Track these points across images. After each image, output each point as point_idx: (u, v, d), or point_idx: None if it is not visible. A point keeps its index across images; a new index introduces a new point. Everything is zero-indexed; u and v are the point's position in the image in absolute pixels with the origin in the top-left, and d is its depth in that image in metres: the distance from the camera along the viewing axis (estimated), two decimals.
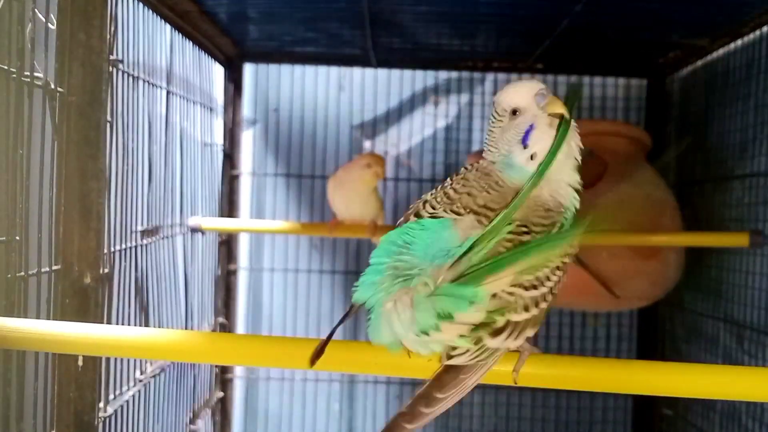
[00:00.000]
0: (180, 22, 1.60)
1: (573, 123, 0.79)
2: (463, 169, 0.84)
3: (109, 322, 1.17)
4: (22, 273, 0.94)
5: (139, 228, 1.39)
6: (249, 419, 2.22)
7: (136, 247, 1.37)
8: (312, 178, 2.19)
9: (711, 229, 1.80)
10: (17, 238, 0.93)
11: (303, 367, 0.75)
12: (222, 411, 2.05)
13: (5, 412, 0.90)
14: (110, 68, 1.13)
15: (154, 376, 1.44)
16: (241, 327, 2.18)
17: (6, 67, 0.90)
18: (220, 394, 2.03)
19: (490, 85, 2.19)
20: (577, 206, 0.80)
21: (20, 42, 0.93)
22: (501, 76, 2.16)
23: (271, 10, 1.67)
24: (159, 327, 1.52)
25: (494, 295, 0.70)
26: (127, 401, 1.30)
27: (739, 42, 1.70)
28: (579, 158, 0.81)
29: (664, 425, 2.08)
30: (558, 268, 0.75)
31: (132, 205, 1.32)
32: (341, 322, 0.80)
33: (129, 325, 1.30)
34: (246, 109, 2.16)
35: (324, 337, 0.76)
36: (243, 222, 2.06)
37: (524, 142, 0.78)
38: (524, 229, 0.73)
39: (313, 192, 2.19)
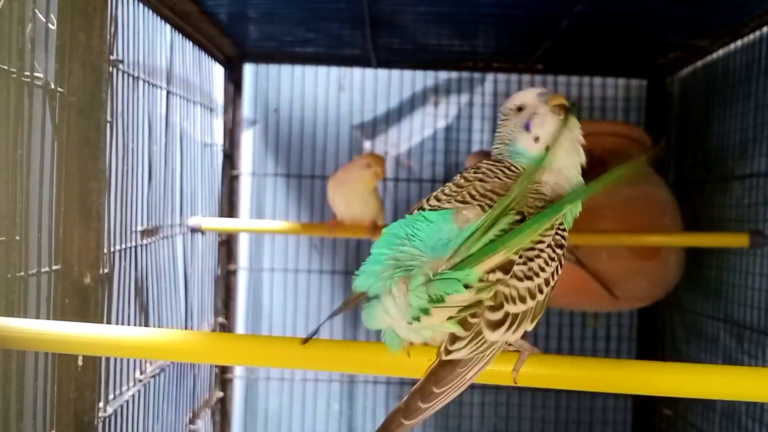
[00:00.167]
0: (180, 23, 1.60)
1: (576, 122, 0.82)
2: (463, 171, 0.85)
3: (109, 322, 1.17)
4: (22, 273, 0.94)
5: (139, 228, 1.39)
6: (249, 419, 2.23)
7: (136, 247, 1.37)
8: (312, 178, 2.19)
9: (711, 230, 1.80)
10: (17, 238, 0.93)
11: (303, 366, 0.76)
12: (222, 411, 2.05)
13: (5, 412, 0.90)
14: (110, 68, 1.13)
15: (153, 376, 1.44)
16: (240, 327, 2.18)
17: (6, 67, 0.90)
18: (220, 394, 2.03)
19: (490, 86, 2.20)
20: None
21: (20, 42, 0.93)
22: (501, 76, 2.17)
23: (271, 11, 1.67)
24: (159, 327, 1.52)
25: (484, 276, 0.71)
26: (127, 401, 1.30)
27: (739, 42, 1.70)
28: (582, 158, 0.84)
29: (664, 425, 2.08)
30: (552, 259, 0.76)
31: (132, 205, 1.32)
32: (340, 308, 0.81)
33: (129, 325, 1.30)
34: (246, 109, 2.16)
35: (324, 336, 0.76)
36: (243, 222, 2.06)
37: (527, 128, 0.83)
38: (518, 218, 0.74)
39: (313, 192, 2.19)
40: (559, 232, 0.78)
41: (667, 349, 2.10)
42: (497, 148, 0.88)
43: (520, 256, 0.73)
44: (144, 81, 1.39)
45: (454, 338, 0.71)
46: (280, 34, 1.88)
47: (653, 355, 2.13)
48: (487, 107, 2.20)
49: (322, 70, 2.18)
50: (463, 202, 0.77)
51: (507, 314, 0.72)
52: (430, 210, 0.78)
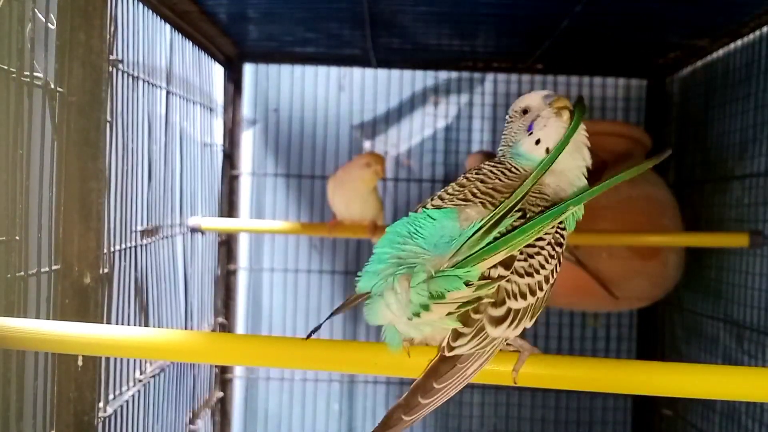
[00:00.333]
0: (180, 23, 1.60)
1: (582, 126, 0.83)
2: (466, 172, 0.86)
3: (109, 322, 1.17)
4: (22, 273, 0.94)
5: (139, 228, 1.39)
6: (249, 419, 2.22)
7: (135, 247, 1.37)
8: (312, 178, 2.19)
9: (711, 230, 1.81)
10: (17, 238, 0.93)
11: (303, 366, 0.76)
12: (222, 411, 2.05)
13: (5, 412, 0.90)
14: (110, 68, 1.13)
15: (153, 376, 1.44)
16: (240, 327, 2.18)
17: (6, 67, 0.90)
18: (220, 394, 2.03)
19: (490, 85, 2.19)
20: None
21: (20, 42, 0.93)
22: (501, 76, 2.17)
23: (271, 11, 1.67)
24: (159, 327, 1.52)
25: (485, 274, 0.72)
26: (127, 401, 1.30)
27: (739, 42, 1.70)
28: (588, 160, 0.86)
29: (664, 425, 2.08)
30: (552, 256, 0.77)
31: (132, 205, 1.32)
32: (342, 307, 0.81)
33: (129, 325, 1.30)
34: (246, 109, 2.16)
35: (324, 336, 0.77)
36: (243, 222, 2.06)
37: (529, 129, 0.84)
38: (519, 215, 0.75)
39: (313, 192, 2.19)
40: (559, 230, 0.79)
41: (667, 349, 2.10)
42: (501, 150, 0.89)
43: (521, 253, 0.75)
44: (144, 81, 1.39)
45: (457, 334, 0.71)
46: (280, 33, 1.88)
47: (653, 355, 2.13)
48: (487, 107, 2.20)
49: (322, 70, 2.18)
50: (465, 200, 0.78)
51: (509, 310, 0.73)
52: (433, 209, 0.78)
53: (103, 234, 1.11)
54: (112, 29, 1.14)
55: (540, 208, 0.77)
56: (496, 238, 0.71)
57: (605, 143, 1.79)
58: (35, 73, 0.97)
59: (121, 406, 1.26)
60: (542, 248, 0.76)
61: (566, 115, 0.83)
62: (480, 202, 0.77)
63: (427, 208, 0.79)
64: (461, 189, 0.80)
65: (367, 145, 2.23)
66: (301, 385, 2.22)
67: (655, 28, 1.69)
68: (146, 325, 1.44)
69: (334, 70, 2.18)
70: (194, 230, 1.75)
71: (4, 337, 0.78)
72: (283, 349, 0.80)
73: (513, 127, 0.87)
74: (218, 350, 0.83)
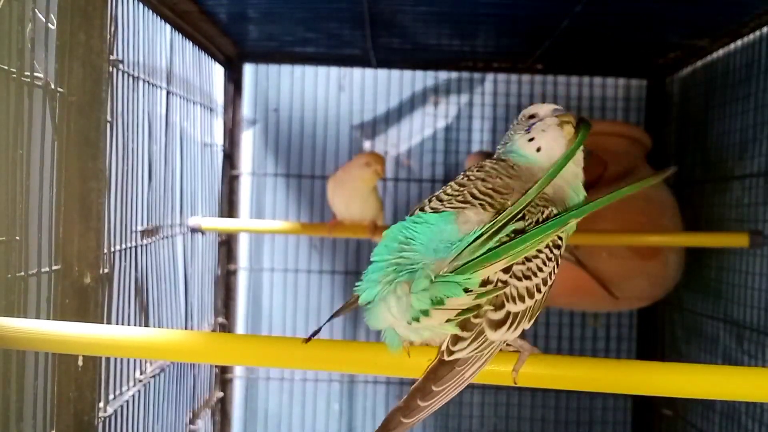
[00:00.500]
0: (180, 23, 1.60)
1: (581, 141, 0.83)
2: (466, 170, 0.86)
3: (109, 322, 1.17)
4: (22, 273, 0.94)
5: (139, 228, 1.39)
6: (249, 419, 2.22)
7: (136, 247, 1.37)
8: (312, 178, 2.19)
9: (711, 230, 1.80)
10: (17, 238, 0.93)
11: (303, 366, 0.75)
12: (222, 411, 2.05)
13: (5, 411, 0.90)
14: (110, 68, 1.13)
15: (153, 376, 1.44)
16: (240, 327, 2.18)
17: (6, 67, 0.90)
18: (220, 394, 2.03)
19: (490, 86, 2.19)
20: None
21: (20, 42, 0.93)
22: (501, 76, 2.17)
23: (271, 10, 1.67)
24: (159, 327, 1.52)
25: (485, 281, 0.72)
26: (127, 401, 1.30)
27: (739, 42, 1.70)
28: (580, 171, 0.87)
29: (663, 425, 2.08)
30: (549, 259, 0.77)
31: (132, 205, 1.32)
32: (342, 308, 0.82)
33: (129, 325, 1.30)
34: (246, 109, 2.16)
35: (324, 336, 0.77)
36: (243, 222, 2.06)
37: (527, 130, 0.86)
38: (521, 221, 0.75)
39: (313, 192, 2.19)
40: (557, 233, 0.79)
41: (667, 349, 2.10)
42: (499, 147, 0.90)
43: None
44: (144, 81, 1.39)
45: (456, 339, 0.71)
46: (280, 33, 1.88)
47: (653, 355, 2.13)
48: (487, 107, 2.20)
49: (322, 70, 2.18)
50: (464, 201, 0.78)
51: (508, 313, 0.73)
52: (431, 211, 0.78)
53: (103, 234, 1.11)
54: (112, 29, 1.14)
55: (539, 207, 0.77)
56: (497, 245, 0.71)
57: (605, 143, 1.79)
58: (35, 73, 0.96)
59: (122, 406, 1.26)
60: (540, 251, 0.76)
61: (567, 128, 0.85)
62: (479, 203, 0.77)
63: (425, 211, 0.79)
64: (461, 189, 0.80)
65: (367, 145, 2.23)
66: (301, 385, 2.22)
67: (655, 28, 1.69)
68: (146, 325, 1.44)
69: (334, 70, 2.18)
70: (194, 230, 1.75)
71: (4, 337, 0.78)
72: (283, 349, 0.80)
73: (515, 128, 0.89)
74: (218, 350, 0.83)
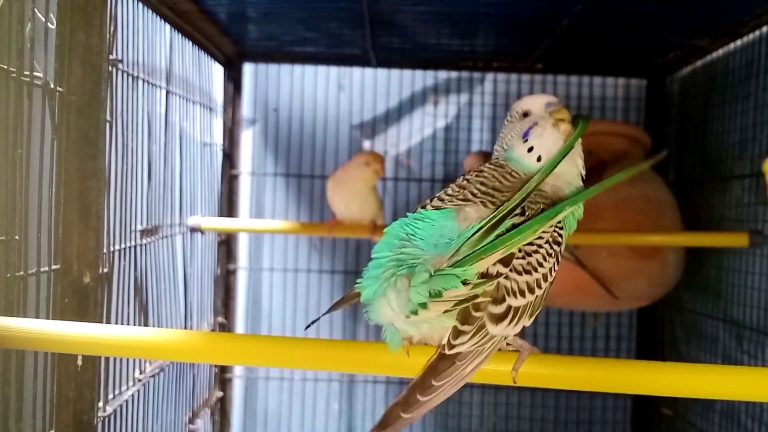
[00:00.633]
0: (180, 22, 1.60)
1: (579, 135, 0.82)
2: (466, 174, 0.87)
3: (108, 322, 1.17)
4: (22, 273, 0.94)
5: (139, 227, 1.39)
6: (248, 419, 2.22)
7: (135, 246, 1.37)
8: (312, 178, 2.19)
9: (711, 229, 1.80)
10: (17, 237, 0.93)
11: (303, 366, 0.75)
12: (221, 410, 2.05)
13: (5, 411, 0.90)
14: (110, 68, 1.13)
15: (153, 376, 1.44)
16: (240, 327, 2.18)
17: (6, 67, 0.90)
18: (220, 393, 2.03)
19: (490, 85, 2.19)
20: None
21: (20, 42, 0.93)
22: (501, 76, 2.17)
23: (270, 10, 1.67)
24: (158, 327, 1.52)
25: (484, 273, 0.72)
26: (127, 401, 1.30)
27: (738, 42, 1.70)
28: (581, 167, 0.86)
29: (663, 425, 2.08)
30: (549, 255, 0.77)
31: (131, 204, 1.32)
32: (342, 300, 0.82)
33: (128, 324, 1.30)
34: (245, 108, 2.16)
35: (324, 335, 0.77)
36: (242, 222, 2.06)
37: (525, 136, 0.85)
38: (518, 212, 0.75)
39: (312, 192, 2.19)
40: (557, 229, 0.80)
41: (667, 348, 2.10)
42: (497, 150, 0.89)
43: (519, 251, 0.75)
44: (143, 80, 1.39)
45: (457, 332, 0.72)
46: (280, 33, 1.88)
47: (653, 354, 2.13)
48: (486, 107, 2.20)
49: (321, 69, 2.18)
50: (465, 200, 0.78)
51: (509, 307, 0.73)
52: (432, 209, 0.79)
53: (102, 233, 1.11)
54: (112, 29, 1.14)
55: (538, 206, 0.78)
56: (493, 240, 0.72)
57: (605, 143, 1.79)
58: (35, 73, 0.96)
59: (121, 406, 1.26)
60: (540, 246, 0.77)
61: (564, 127, 0.83)
62: (480, 201, 0.78)
63: (427, 209, 0.79)
64: (461, 190, 0.81)
65: (367, 144, 2.23)
66: (301, 384, 2.22)
67: (655, 27, 1.69)
68: (146, 324, 1.44)
69: (333, 70, 2.18)
70: (194, 230, 1.75)
71: (4, 337, 0.78)
72: (283, 349, 0.80)
73: (510, 129, 0.88)
74: (218, 350, 0.83)
